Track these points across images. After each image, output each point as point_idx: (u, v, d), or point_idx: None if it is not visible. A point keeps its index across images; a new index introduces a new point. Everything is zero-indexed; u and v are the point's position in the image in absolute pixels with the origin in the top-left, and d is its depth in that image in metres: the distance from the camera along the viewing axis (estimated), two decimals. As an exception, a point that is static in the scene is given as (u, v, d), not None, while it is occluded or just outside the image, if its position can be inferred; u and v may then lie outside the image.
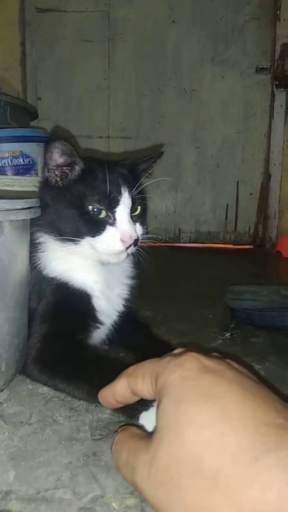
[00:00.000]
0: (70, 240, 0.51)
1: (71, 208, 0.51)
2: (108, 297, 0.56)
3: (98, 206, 0.50)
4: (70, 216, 0.51)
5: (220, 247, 1.93)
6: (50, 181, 0.53)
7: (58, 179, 0.52)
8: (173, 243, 1.95)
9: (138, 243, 0.53)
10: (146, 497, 0.29)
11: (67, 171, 0.52)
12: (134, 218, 0.54)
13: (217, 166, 1.92)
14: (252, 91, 1.88)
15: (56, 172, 0.52)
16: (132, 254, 0.54)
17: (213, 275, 1.26)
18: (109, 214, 0.51)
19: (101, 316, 0.55)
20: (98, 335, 0.57)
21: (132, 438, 0.32)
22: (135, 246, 0.52)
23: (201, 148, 1.93)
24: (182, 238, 1.97)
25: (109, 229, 0.51)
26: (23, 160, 1.09)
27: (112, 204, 0.51)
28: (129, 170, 0.56)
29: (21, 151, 1.09)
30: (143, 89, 1.90)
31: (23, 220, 0.48)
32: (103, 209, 0.51)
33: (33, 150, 1.11)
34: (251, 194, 1.93)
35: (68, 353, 0.49)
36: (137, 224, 0.54)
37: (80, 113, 1.91)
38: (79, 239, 0.51)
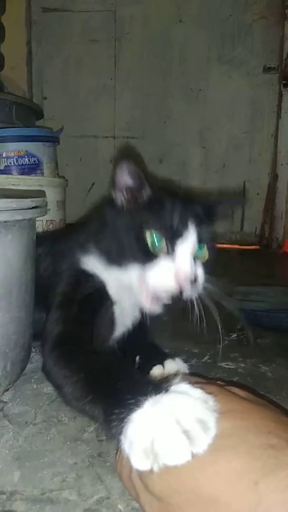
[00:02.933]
0: (117, 265, 0.46)
1: (129, 232, 0.46)
2: (123, 308, 0.52)
3: (157, 232, 0.44)
4: (126, 240, 0.45)
5: (226, 248, 1.91)
6: (116, 202, 0.49)
7: (125, 201, 0.48)
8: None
9: (198, 286, 0.45)
10: None
11: (135, 195, 0.48)
12: (197, 262, 0.47)
13: (224, 166, 1.91)
14: (260, 90, 1.86)
15: (124, 194, 0.48)
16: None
17: (219, 275, 1.25)
18: (169, 247, 0.44)
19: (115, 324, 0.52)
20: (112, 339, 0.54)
21: None
22: (191, 290, 0.44)
23: (208, 148, 1.92)
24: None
25: (163, 260, 0.44)
26: (29, 160, 1.09)
27: (174, 235, 0.44)
28: (203, 208, 0.50)
29: (26, 151, 1.09)
30: (149, 89, 1.90)
31: (29, 219, 0.48)
32: (162, 238, 0.44)
33: (38, 149, 1.12)
34: (258, 194, 1.92)
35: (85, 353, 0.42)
36: (199, 269, 0.47)
37: (86, 113, 1.91)
38: (128, 265, 0.45)
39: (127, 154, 0.45)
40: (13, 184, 0.99)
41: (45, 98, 1.93)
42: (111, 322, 0.51)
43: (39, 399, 0.47)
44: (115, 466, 0.35)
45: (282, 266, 1.61)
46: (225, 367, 0.58)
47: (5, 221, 0.42)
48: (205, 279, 0.47)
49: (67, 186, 1.25)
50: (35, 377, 0.53)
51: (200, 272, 0.47)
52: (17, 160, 1.08)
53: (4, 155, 1.08)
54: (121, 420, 0.29)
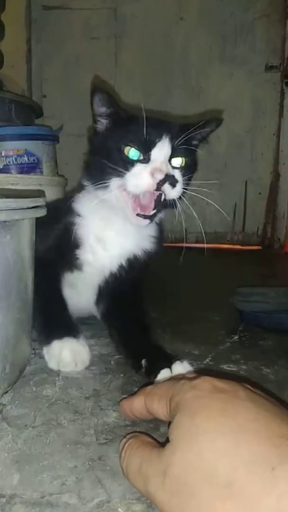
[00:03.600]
0: (101, 188, 0.52)
1: (108, 151, 0.51)
2: (95, 252, 0.57)
3: (132, 146, 0.50)
4: (106, 157, 0.51)
5: (227, 248, 1.91)
6: (96, 130, 0.56)
7: (103, 127, 0.54)
8: (179, 243, 1.94)
9: (178, 187, 0.51)
10: (160, 506, 0.28)
11: (110, 120, 0.54)
12: (174, 168, 0.52)
13: (225, 165, 1.91)
14: (261, 89, 1.85)
15: (102, 121, 0.54)
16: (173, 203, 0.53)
17: (220, 276, 1.25)
18: (144, 156, 0.50)
19: (85, 266, 0.57)
20: (85, 281, 0.58)
21: (144, 446, 0.32)
22: (171, 185, 0.50)
23: (209, 147, 1.90)
24: (188, 239, 1.95)
25: (139, 165, 0.50)
26: (28, 159, 1.09)
27: (147, 146, 0.50)
28: (180, 125, 0.55)
29: (26, 150, 1.08)
30: (150, 88, 1.89)
31: (29, 219, 0.47)
32: (137, 150, 0.50)
33: (38, 148, 1.11)
34: (259, 194, 1.91)
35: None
36: (177, 171, 0.52)
37: (85, 111, 1.89)
38: (108, 181, 0.51)
39: (100, 87, 0.52)
40: (12, 183, 0.99)
41: (45, 96, 1.92)
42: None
43: (39, 401, 0.47)
44: (115, 470, 0.35)
45: (284, 266, 1.60)
46: (227, 370, 0.57)
47: (4, 221, 0.42)
48: (182, 182, 0.52)
49: (66, 185, 1.24)
50: (34, 379, 0.52)
51: (177, 174, 0.52)
52: (16, 159, 1.07)
53: (3, 154, 1.07)
54: (47, 339, 0.51)
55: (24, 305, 0.47)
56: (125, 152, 0.50)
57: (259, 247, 1.92)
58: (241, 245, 1.92)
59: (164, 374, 0.47)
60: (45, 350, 0.52)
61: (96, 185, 0.53)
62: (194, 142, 0.56)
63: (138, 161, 0.50)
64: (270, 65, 1.83)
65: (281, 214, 1.89)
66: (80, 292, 0.59)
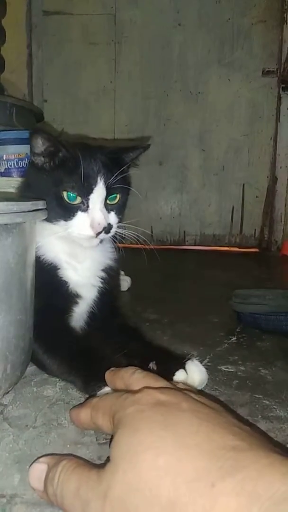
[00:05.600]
0: (48, 221, 0.54)
1: (50, 192, 0.54)
2: (75, 268, 0.58)
3: (71, 192, 0.53)
4: (49, 200, 0.53)
5: (225, 250, 1.92)
6: (35, 164, 0.56)
7: (42, 163, 0.55)
8: (178, 245, 1.94)
9: (112, 230, 0.56)
10: None
11: (50, 157, 0.55)
12: (110, 207, 0.56)
13: (223, 169, 1.92)
14: (259, 94, 1.87)
15: (41, 157, 0.55)
16: (113, 238, 0.58)
17: (218, 278, 1.26)
18: (83, 201, 0.54)
19: (76, 288, 0.58)
20: (80, 310, 0.59)
21: (81, 467, 0.29)
22: (107, 233, 0.55)
23: (207, 150, 1.92)
24: (187, 241, 1.96)
25: (80, 215, 0.54)
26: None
27: (86, 191, 0.53)
28: (111, 158, 0.57)
29: (27, 154, 1.09)
30: (149, 92, 1.90)
31: (30, 222, 0.48)
32: (77, 195, 0.53)
33: (39, 152, 1.12)
34: (257, 197, 1.92)
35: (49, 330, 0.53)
36: (112, 213, 0.57)
37: (86, 116, 1.91)
38: (55, 222, 0.54)
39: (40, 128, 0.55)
40: (13, 187, 0.99)
41: (46, 101, 1.93)
42: (67, 288, 0.57)
43: (39, 402, 0.47)
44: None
45: (281, 269, 1.61)
46: (225, 370, 0.58)
47: (5, 224, 0.43)
48: (116, 222, 0.57)
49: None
50: (35, 380, 0.53)
51: (112, 216, 0.56)
52: (17, 163, 1.08)
53: (4, 158, 1.08)
54: (94, 388, 0.44)
55: (24, 306, 0.48)
56: (65, 196, 0.53)
57: (257, 250, 1.92)
58: (239, 247, 1.93)
59: (179, 376, 0.46)
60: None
61: (45, 221, 0.55)
62: (125, 169, 0.59)
63: (78, 207, 0.54)
64: (267, 70, 1.85)
65: (278, 217, 1.90)
66: (75, 319, 0.59)
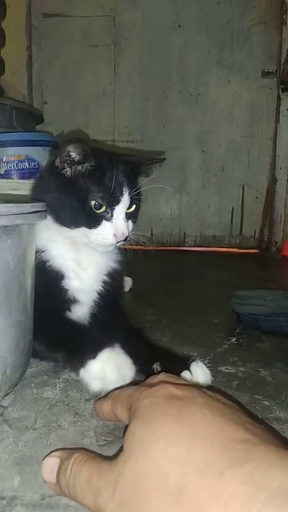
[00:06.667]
0: (66, 226, 0.56)
1: (74, 200, 0.55)
2: (79, 277, 0.59)
3: (100, 202, 0.54)
4: (72, 206, 0.54)
5: (225, 251, 1.92)
6: (58, 168, 0.56)
7: (68, 169, 0.55)
8: (178, 246, 1.94)
9: (128, 237, 0.58)
10: None
11: (78, 165, 0.55)
12: (128, 215, 0.58)
13: (223, 170, 1.92)
14: (258, 95, 1.87)
15: (68, 164, 0.55)
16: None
17: (218, 279, 1.26)
18: (108, 210, 0.55)
19: (75, 294, 0.59)
20: (80, 311, 0.60)
21: (92, 459, 0.31)
22: (124, 240, 0.57)
23: (207, 152, 1.93)
24: (187, 242, 1.96)
25: (105, 224, 0.55)
26: (29, 164, 1.10)
27: (113, 202, 0.55)
28: (131, 169, 0.59)
29: (26, 155, 1.09)
30: (148, 93, 1.91)
31: (30, 224, 0.48)
32: (104, 205, 0.55)
33: (39, 154, 1.12)
34: (256, 198, 1.92)
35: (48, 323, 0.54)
36: (130, 221, 0.59)
37: (85, 117, 1.92)
38: (74, 227, 0.56)
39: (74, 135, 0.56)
40: (13, 189, 1.00)
41: (45, 103, 1.94)
42: (66, 293, 0.58)
43: (39, 404, 0.47)
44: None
45: (281, 269, 1.61)
46: (225, 371, 0.58)
47: (5, 226, 0.43)
48: (132, 230, 0.59)
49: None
50: (35, 381, 0.53)
51: (130, 224, 0.59)
52: (17, 165, 1.08)
53: (4, 160, 1.08)
54: (80, 361, 0.48)
55: (24, 308, 0.48)
56: (92, 205, 0.54)
57: (257, 251, 1.92)
58: (239, 248, 1.93)
59: (184, 377, 0.47)
60: (81, 374, 0.48)
61: (62, 225, 0.56)
62: (141, 176, 0.63)
63: (103, 216, 0.55)
64: (267, 71, 1.85)
65: (278, 218, 1.90)
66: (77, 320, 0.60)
